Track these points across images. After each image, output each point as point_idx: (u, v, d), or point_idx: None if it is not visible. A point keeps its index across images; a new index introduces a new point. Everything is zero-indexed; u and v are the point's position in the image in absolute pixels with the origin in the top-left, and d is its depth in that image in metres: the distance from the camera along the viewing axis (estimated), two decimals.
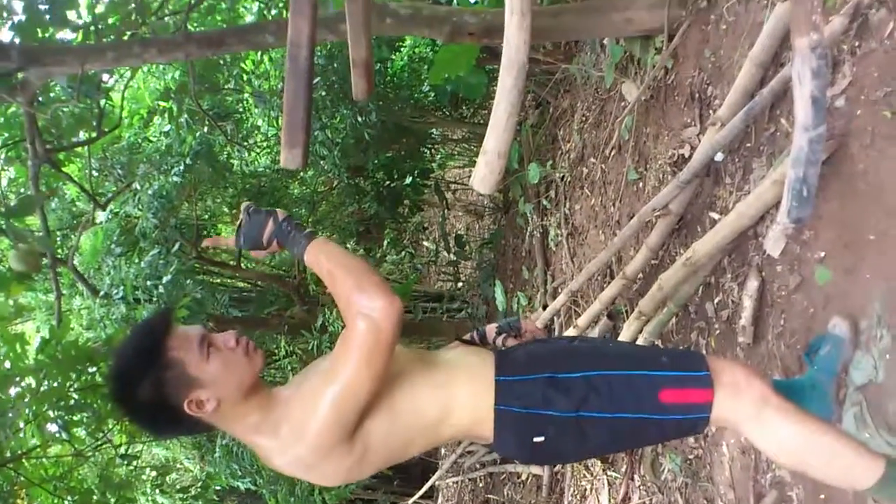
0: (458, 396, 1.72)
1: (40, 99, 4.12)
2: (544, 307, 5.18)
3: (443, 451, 7.11)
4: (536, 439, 1.73)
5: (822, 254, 2.40)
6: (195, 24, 5.76)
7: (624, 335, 3.39)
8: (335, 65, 5.52)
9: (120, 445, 5.02)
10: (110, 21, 4.40)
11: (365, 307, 1.54)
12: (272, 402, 1.68)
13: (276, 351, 6.54)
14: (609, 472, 4.03)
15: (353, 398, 1.57)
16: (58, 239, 6.48)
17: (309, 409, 1.59)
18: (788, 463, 1.76)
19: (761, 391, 1.70)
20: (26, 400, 3.72)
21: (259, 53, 6.04)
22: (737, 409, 1.70)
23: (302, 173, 6.91)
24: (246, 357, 1.66)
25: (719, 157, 2.94)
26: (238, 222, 1.74)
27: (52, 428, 4.03)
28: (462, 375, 1.77)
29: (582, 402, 1.70)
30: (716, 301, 3.04)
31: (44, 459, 4.39)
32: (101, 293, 5.50)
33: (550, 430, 1.72)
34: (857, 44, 2.25)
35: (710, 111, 3.18)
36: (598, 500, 4.13)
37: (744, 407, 1.70)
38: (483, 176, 1.58)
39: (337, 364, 1.58)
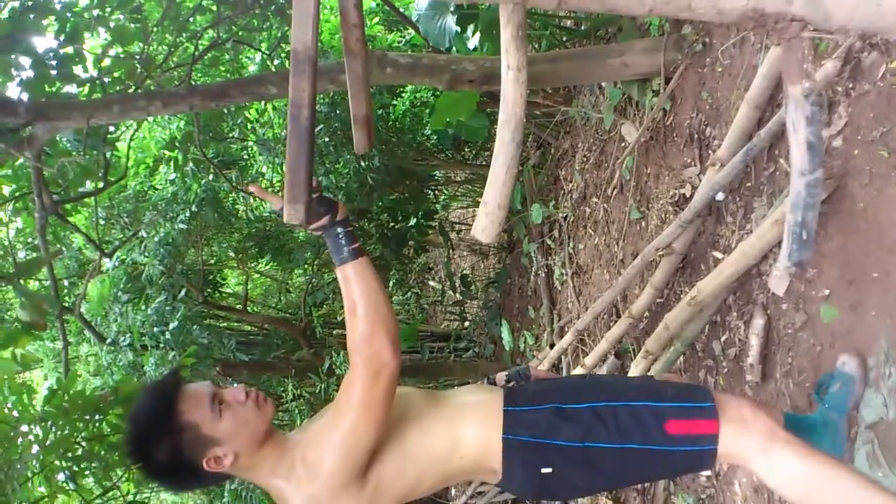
0: (467, 427, 1.77)
1: (47, 151, 4.17)
2: (551, 346, 5.16)
3: (453, 491, 7.03)
4: (544, 470, 1.75)
5: (827, 291, 2.40)
6: (199, 76, 5.86)
7: (632, 374, 3.38)
8: (338, 111, 5.58)
9: (128, 493, 4.97)
10: (116, 75, 4.47)
11: (369, 356, 1.60)
12: (286, 445, 1.73)
13: (284, 394, 6.50)
14: None
15: (359, 442, 1.63)
16: (65, 287, 6.51)
17: (319, 453, 1.66)
18: (798, 499, 1.73)
19: (768, 425, 1.69)
20: (34, 451, 3.70)
21: (262, 102, 6.11)
22: (744, 444, 1.70)
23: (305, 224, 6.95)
24: (257, 409, 1.71)
25: (720, 196, 2.96)
26: None
27: (59, 478, 4.00)
28: (471, 408, 1.81)
29: (588, 431, 1.73)
30: (722, 339, 3.03)
31: None
32: (108, 340, 5.50)
33: (558, 461, 1.74)
34: (851, 85, 2.28)
35: (710, 151, 3.20)
36: None
37: (751, 441, 1.69)
38: (484, 227, 1.60)
39: (340, 410, 1.65)
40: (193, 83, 4.33)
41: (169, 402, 1.63)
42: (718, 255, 3.08)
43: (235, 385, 1.76)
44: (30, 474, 3.69)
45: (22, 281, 3.98)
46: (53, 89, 4.09)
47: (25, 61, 3.79)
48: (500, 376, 2.15)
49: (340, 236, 1.67)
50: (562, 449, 1.73)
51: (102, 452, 4.00)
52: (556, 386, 1.93)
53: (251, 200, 6.79)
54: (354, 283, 1.64)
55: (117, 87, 4.46)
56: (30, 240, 5.91)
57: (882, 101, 2.18)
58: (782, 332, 2.64)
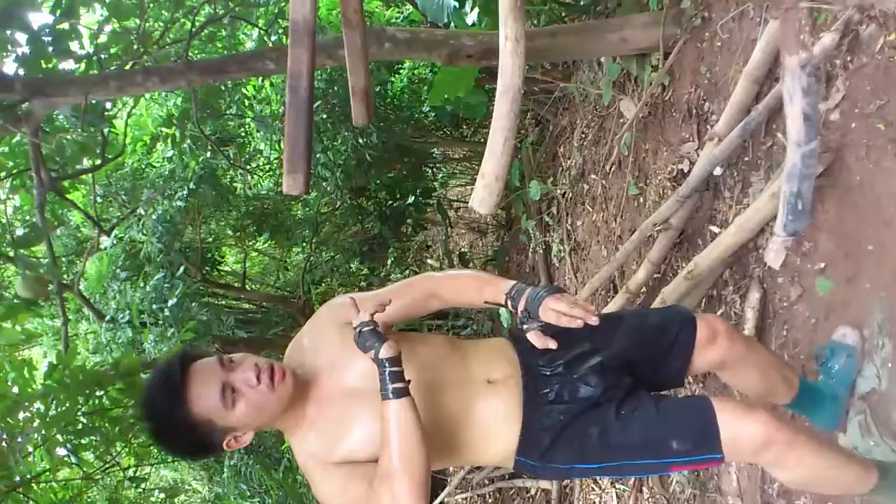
0: (480, 461, 1.89)
1: (44, 128, 4.16)
2: None
3: (451, 467, 7.11)
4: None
5: (823, 264, 2.42)
6: (196, 52, 5.82)
7: None
8: (335, 88, 5.56)
9: (128, 468, 5.02)
10: (112, 51, 4.45)
11: (389, 494, 1.59)
12: (305, 406, 1.74)
13: None
14: (618, 486, 4.03)
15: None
16: (63, 265, 6.52)
17: (317, 480, 1.74)
18: (799, 488, 1.96)
19: (763, 439, 1.69)
20: (35, 425, 3.74)
21: (260, 79, 6.09)
22: (741, 458, 1.81)
23: (305, 195, 6.96)
24: (271, 392, 1.64)
25: (718, 171, 2.96)
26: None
27: (61, 452, 4.04)
28: (486, 454, 1.86)
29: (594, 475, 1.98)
30: (719, 313, 3.05)
31: (53, 483, 4.39)
32: (107, 318, 5.52)
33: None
34: (849, 58, 2.28)
35: (708, 126, 3.20)
36: None
37: (745, 456, 1.77)
38: (482, 198, 1.61)
39: (353, 485, 1.68)
40: (190, 59, 4.30)
41: (177, 400, 1.59)
42: (715, 229, 3.09)
43: (244, 358, 1.68)
44: (31, 448, 3.73)
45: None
46: (50, 66, 4.07)
47: (21, 38, 3.77)
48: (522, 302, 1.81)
49: (384, 374, 1.62)
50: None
51: (103, 427, 4.03)
52: (575, 438, 1.82)
53: (249, 178, 6.78)
54: (391, 424, 1.60)
55: (114, 64, 4.43)
56: (28, 217, 5.91)
57: (880, 74, 2.18)
58: (778, 306, 2.66)
